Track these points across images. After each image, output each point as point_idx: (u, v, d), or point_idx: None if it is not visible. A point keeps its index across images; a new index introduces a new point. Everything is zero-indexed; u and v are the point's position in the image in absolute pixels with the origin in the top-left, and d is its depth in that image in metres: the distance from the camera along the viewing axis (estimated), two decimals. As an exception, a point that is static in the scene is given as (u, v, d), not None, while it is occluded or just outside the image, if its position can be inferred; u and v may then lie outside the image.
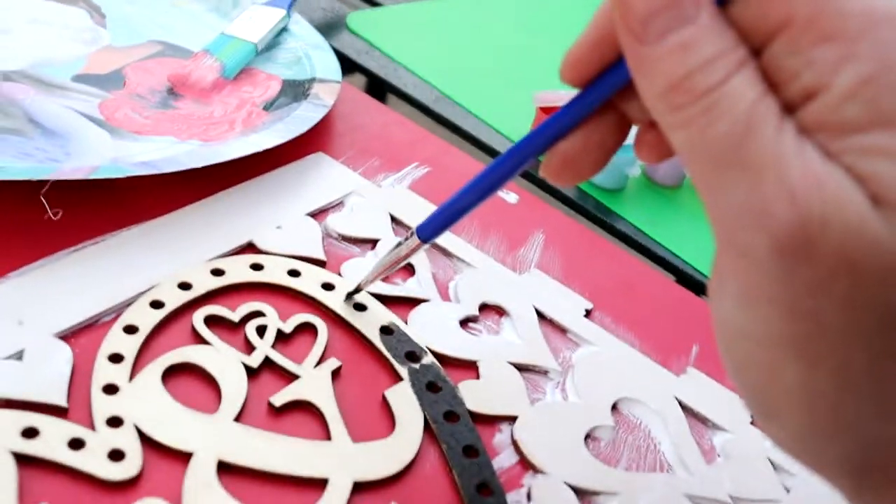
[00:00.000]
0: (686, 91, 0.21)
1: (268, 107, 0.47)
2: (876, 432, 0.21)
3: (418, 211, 0.43)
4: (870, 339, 0.20)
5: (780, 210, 0.20)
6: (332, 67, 0.50)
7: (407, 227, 0.42)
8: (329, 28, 0.61)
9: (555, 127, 0.27)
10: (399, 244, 0.34)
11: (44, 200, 0.37)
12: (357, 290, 0.37)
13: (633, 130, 0.27)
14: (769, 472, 0.35)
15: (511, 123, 0.55)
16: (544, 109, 0.53)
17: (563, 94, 0.53)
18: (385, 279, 0.39)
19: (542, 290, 0.41)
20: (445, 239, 0.42)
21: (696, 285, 0.47)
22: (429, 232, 0.32)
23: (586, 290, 0.41)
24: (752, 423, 0.37)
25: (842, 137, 0.20)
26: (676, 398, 0.37)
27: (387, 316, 0.37)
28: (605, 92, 0.25)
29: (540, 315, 0.39)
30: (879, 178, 0.20)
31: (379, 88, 0.59)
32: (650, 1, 0.22)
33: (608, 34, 0.24)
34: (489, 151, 0.53)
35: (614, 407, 0.36)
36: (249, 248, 0.39)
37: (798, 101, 0.21)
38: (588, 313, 0.40)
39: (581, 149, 0.27)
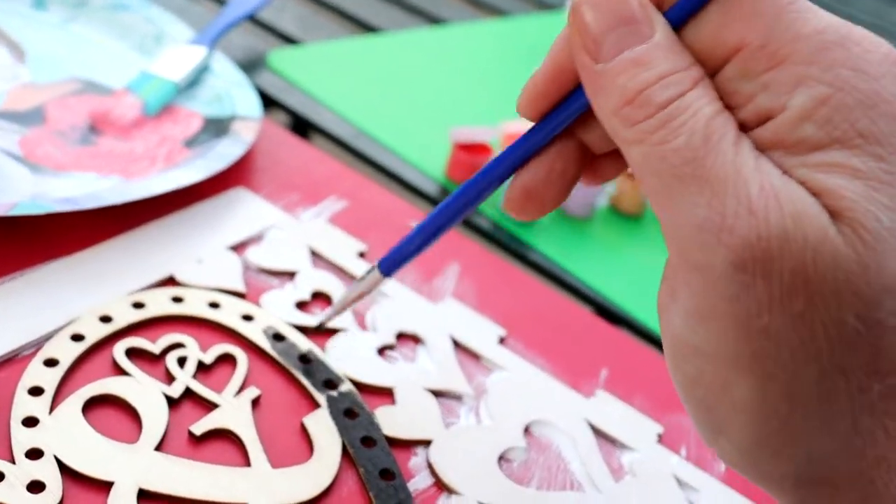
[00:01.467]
0: (641, 105, 0.22)
1: (189, 143, 0.48)
2: (822, 447, 0.22)
3: (336, 243, 0.44)
4: (820, 355, 0.21)
5: (738, 224, 0.20)
6: (253, 105, 0.51)
7: (325, 260, 0.43)
8: (250, 66, 0.62)
9: (514, 155, 0.27)
10: (361, 279, 0.34)
11: (-38, 236, 0.37)
12: (319, 326, 0.37)
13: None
14: (675, 488, 0.37)
15: (427, 158, 0.57)
16: (460, 146, 0.54)
17: (480, 130, 0.55)
18: (303, 309, 0.40)
19: (457, 318, 0.42)
20: (363, 268, 0.43)
21: (605, 312, 0.49)
22: (390, 266, 0.32)
23: (500, 318, 0.43)
24: (658, 442, 0.39)
25: (798, 155, 0.21)
26: (586, 420, 0.39)
27: (305, 345, 0.38)
28: (563, 118, 0.26)
29: (455, 342, 0.41)
30: (836, 192, 0.20)
31: (302, 126, 0.60)
32: (604, 19, 0.22)
33: (564, 66, 0.25)
34: (406, 186, 0.55)
35: (526, 429, 0.38)
36: (170, 281, 0.39)
37: (753, 123, 0.22)
38: (502, 340, 0.42)
39: (543, 179, 0.26)
